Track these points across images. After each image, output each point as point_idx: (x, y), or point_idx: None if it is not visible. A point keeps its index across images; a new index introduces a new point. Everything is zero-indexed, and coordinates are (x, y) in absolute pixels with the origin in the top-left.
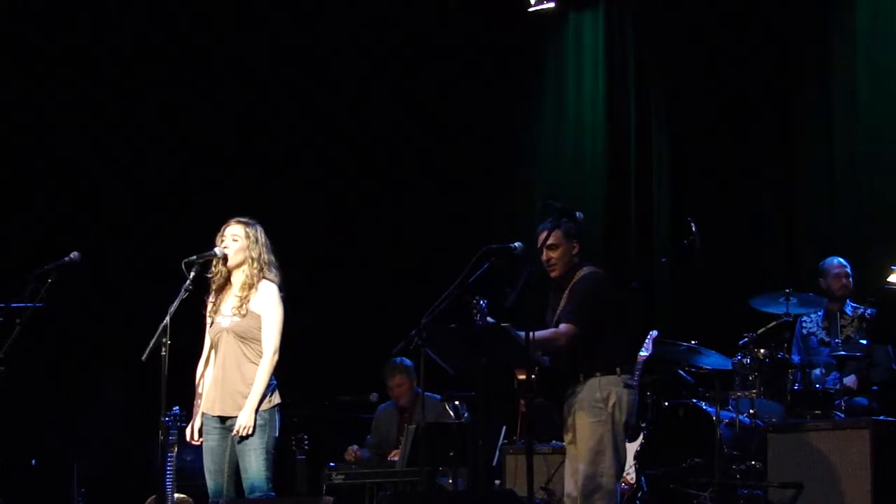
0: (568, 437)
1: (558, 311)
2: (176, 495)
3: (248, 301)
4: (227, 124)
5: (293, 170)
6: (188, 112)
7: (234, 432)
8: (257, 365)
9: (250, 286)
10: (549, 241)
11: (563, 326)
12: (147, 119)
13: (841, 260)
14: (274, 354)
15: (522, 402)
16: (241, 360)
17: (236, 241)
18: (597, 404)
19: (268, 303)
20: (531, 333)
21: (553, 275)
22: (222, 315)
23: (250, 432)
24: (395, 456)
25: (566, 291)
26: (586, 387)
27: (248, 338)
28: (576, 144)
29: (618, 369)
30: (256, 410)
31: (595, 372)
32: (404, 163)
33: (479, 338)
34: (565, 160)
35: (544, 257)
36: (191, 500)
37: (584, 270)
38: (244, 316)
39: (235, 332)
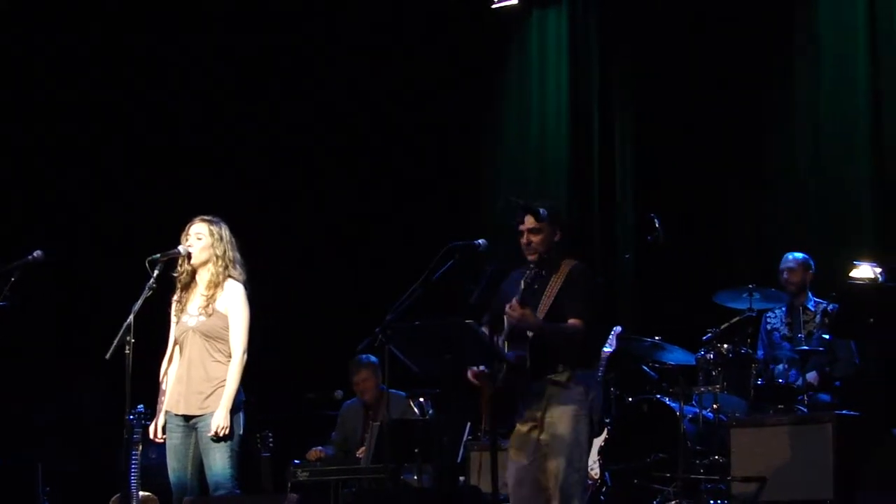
0: (534, 432)
1: (550, 301)
2: (140, 493)
3: (215, 300)
4: (192, 121)
5: (258, 167)
6: (154, 108)
7: (212, 433)
8: (222, 364)
9: (216, 284)
10: (530, 226)
11: (575, 322)
12: (113, 115)
13: (796, 255)
14: (243, 354)
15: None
16: (206, 359)
17: (200, 239)
18: (579, 398)
19: (234, 302)
20: (548, 325)
21: (531, 258)
22: (188, 314)
23: (227, 432)
24: (362, 453)
25: (557, 281)
26: (567, 380)
27: (214, 337)
28: (539, 142)
29: (594, 364)
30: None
31: (577, 365)
32: (368, 161)
33: (443, 335)
34: (529, 157)
35: (524, 240)
36: (155, 497)
37: (572, 262)
38: (210, 315)
39: (201, 331)
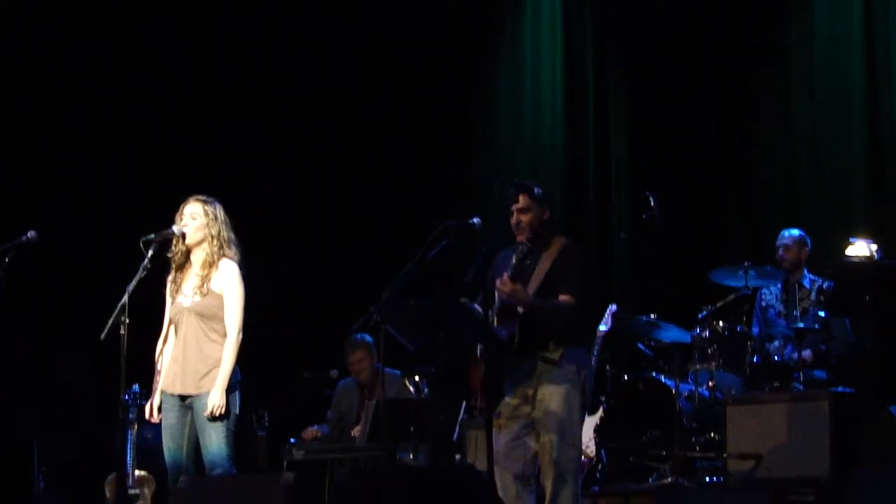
0: (523, 409)
1: (541, 277)
2: (136, 472)
3: (210, 280)
4: (185, 103)
5: (254, 146)
6: (145, 89)
7: (208, 412)
8: (218, 343)
9: (211, 264)
10: (520, 205)
11: (566, 298)
12: (107, 94)
13: (792, 231)
14: (238, 333)
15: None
16: (201, 339)
17: (195, 219)
18: (571, 376)
19: (229, 282)
20: (539, 301)
21: (521, 237)
22: (183, 294)
23: (223, 412)
24: (357, 432)
25: (549, 258)
26: (559, 358)
27: (209, 317)
28: (535, 122)
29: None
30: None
31: (569, 343)
32: (363, 145)
33: (438, 314)
34: (524, 138)
35: (514, 220)
36: (151, 477)
37: (564, 240)
38: (205, 295)
39: (197, 311)
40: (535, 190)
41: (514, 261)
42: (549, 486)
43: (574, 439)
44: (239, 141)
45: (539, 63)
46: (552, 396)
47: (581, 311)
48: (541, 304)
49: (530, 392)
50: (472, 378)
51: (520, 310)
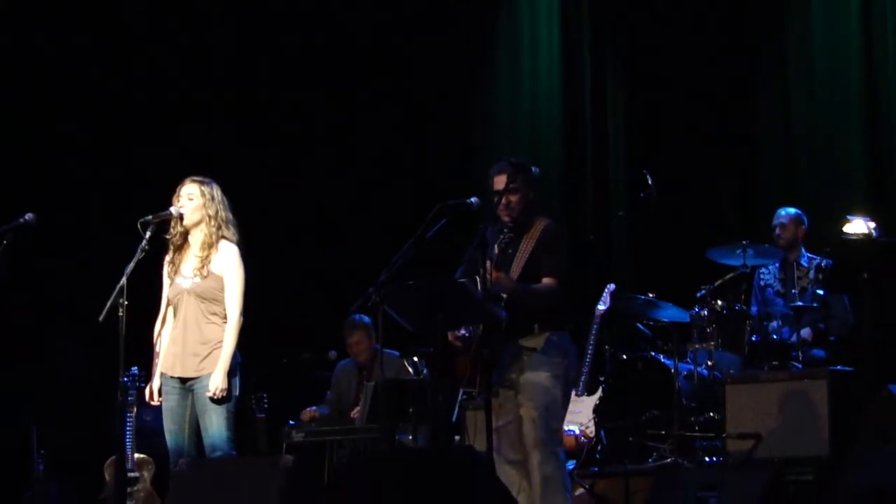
0: (509, 394)
1: (523, 261)
2: (136, 455)
3: (209, 261)
4: (182, 82)
5: (251, 127)
6: (142, 69)
7: (210, 394)
8: (218, 325)
9: (210, 245)
10: (510, 185)
11: (550, 281)
12: (104, 76)
13: (789, 210)
14: (240, 316)
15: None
16: (201, 320)
17: (192, 199)
18: (554, 359)
19: (229, 264)
20: (522, 286)
21: (507, 218)
22: (182, 276)
23: (225, 394)
24: (356, 413)
25: (530, 241)
26: (543, 341)
27: (209, 298)
28: (532, 101)
29: (567, 326)
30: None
31: (553, 326)
32: (362, 124)
33: (435, 293)
34: (522, 117)
35: (504, 201)
36: (150, 459)
37: (546, 221)
38: (205, 277)
39: (196, 293)
40: (532, 169)
41: (496, 250)
42: (535, 463)
43: (557, 422)
44: (239, 118)
45: (537, 43)
46: (535, 383)
47: (564, 293)
48: (524, 290)
49: (514, 376)
50: (459, 366)
51: (503, 296)
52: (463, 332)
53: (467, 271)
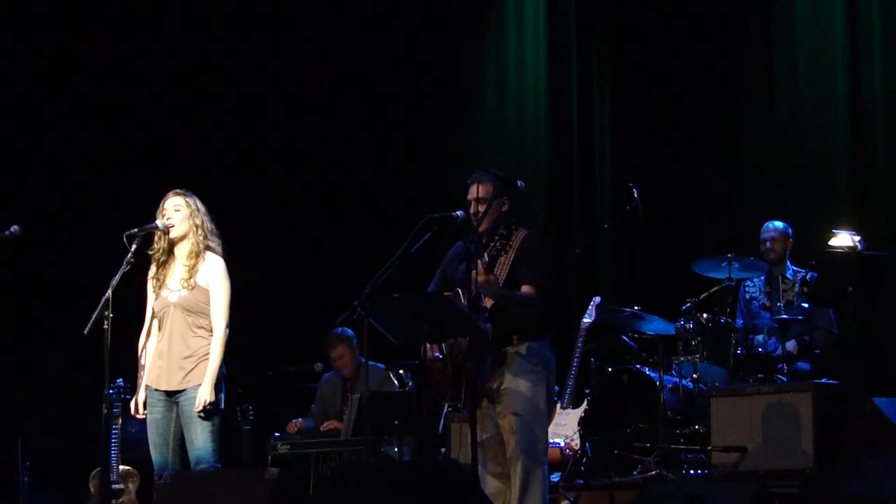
0: (489, 406)
1: (505, 271)
2: (121, 467)
3: (196, 272)
4: (166, 97)
5: (233, 138)
6: (127, 85)
7: (198, 407)
8: (203, 338)
9: (197, 254)
10: (478, 195)
11: (529, 289)
12: (89, 88)
13: (776, 223)
14: (226, 329)
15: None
16: (187, 333)
17: (178, 210)
18: (536, 369)
19: (215, 276)
20: (507, 292)
21: (480, 229)
22: (169, 289)
23: (212, 407)
24: (329, 426)
25: (511, 252)
26: (524, 351)
27: (196, 312)
28: (518, 113)
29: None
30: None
31: (533, 336)
32: (346, 133)
33: (421, 307)
34: (508, 129)
35: (472, 210)
36: (135, 471)
37: (525, 231)
38: (192, 289)
39: (183, 306)
40: (520, 183)
41: (486, 258)
42: (516, 472)
43: (542, 432)
44: (219, 131)
45: (523, 55)
46: (517, 387)
47: (543, 301)
48: (509, 295)
49: (494, 386)
50: (435, 380)
51: (487, 303)
52: (437, 354)
53: (445, 284)
